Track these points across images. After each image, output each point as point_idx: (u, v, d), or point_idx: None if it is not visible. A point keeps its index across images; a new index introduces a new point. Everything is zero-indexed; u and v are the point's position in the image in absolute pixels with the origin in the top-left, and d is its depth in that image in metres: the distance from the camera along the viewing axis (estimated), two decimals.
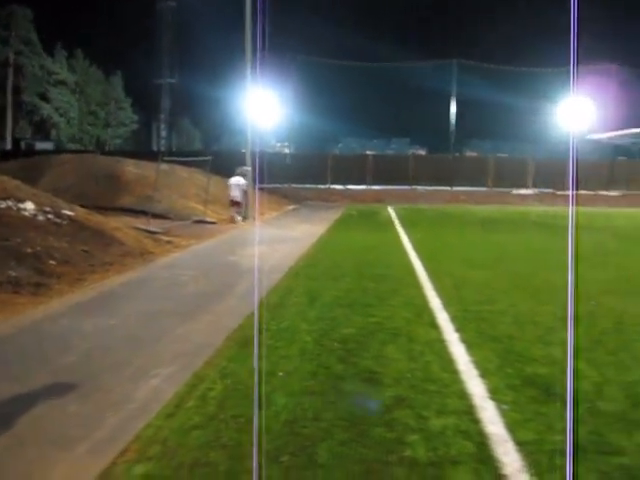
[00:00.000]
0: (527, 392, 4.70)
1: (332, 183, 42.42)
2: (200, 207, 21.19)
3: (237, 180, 20.85)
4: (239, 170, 22.04)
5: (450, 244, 15.38)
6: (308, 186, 40.94)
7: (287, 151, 71.94)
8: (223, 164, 25.44)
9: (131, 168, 24.95)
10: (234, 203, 20.58)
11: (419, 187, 42.35)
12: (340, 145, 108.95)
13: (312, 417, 4.17)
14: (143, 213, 17.77)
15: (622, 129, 70.83)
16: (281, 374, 5.01)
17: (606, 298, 8.29)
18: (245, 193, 20.96)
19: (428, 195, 40.27)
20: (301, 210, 29.40)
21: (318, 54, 78.63)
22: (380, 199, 37.77)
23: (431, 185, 42.67)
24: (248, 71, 22.40)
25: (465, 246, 14.88)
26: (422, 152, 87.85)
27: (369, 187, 42.18)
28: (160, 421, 4.11)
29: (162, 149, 54.56)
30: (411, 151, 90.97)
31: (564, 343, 6.01)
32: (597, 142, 72.32)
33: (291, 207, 30.76)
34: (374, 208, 31.58)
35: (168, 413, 4.25)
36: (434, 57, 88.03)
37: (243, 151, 23.67)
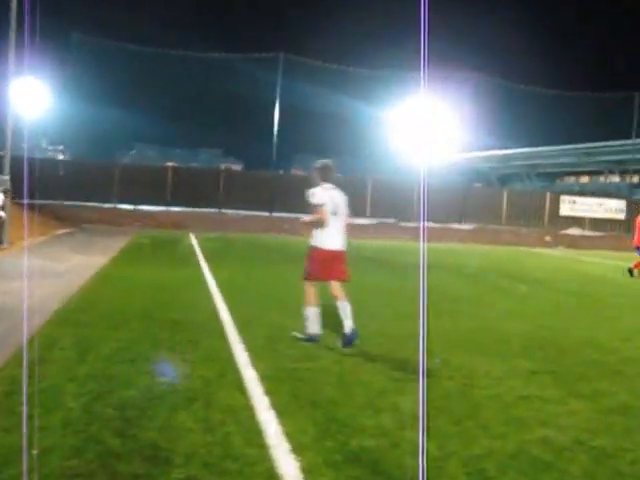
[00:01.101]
0: (350, 470, 4.82)
1: (120, 202, 41.49)
2: None
3: None
4: None
5: (265, 284, 15.57)
6: (88, 204, 39.79)
7: (62, 157, 69.84)
8: None
9: None
10: None
11: (230, 211, 42.46)
12: (133, 152, 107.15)
13: None
14: None
15: (483, 150, 75.35)
16: (35, 452, 4.81)
17: (453, 354, 8.74)
18: (2, 210, 20.05)
19: (242, 221, 40.53)
20: (77, 235, 28.60)
21: (115, 39, 76.94)
22: (181, 224, 37.54)
23: (247, 209, 42.85)
24: (12, 52, 21.64)
25: (283, 288, 15.09)
26: (237, 167, 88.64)
27: (168, 208, 41.68)
28: None
29: None
30: (224, 165, 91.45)
31: (396, 409, 6.26)
32: (454, 164, 76.57)
33: (64, 231, 29.82)
34: (173, 235, 31.40)
35: None
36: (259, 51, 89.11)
37: (0, 154, 22.72)
